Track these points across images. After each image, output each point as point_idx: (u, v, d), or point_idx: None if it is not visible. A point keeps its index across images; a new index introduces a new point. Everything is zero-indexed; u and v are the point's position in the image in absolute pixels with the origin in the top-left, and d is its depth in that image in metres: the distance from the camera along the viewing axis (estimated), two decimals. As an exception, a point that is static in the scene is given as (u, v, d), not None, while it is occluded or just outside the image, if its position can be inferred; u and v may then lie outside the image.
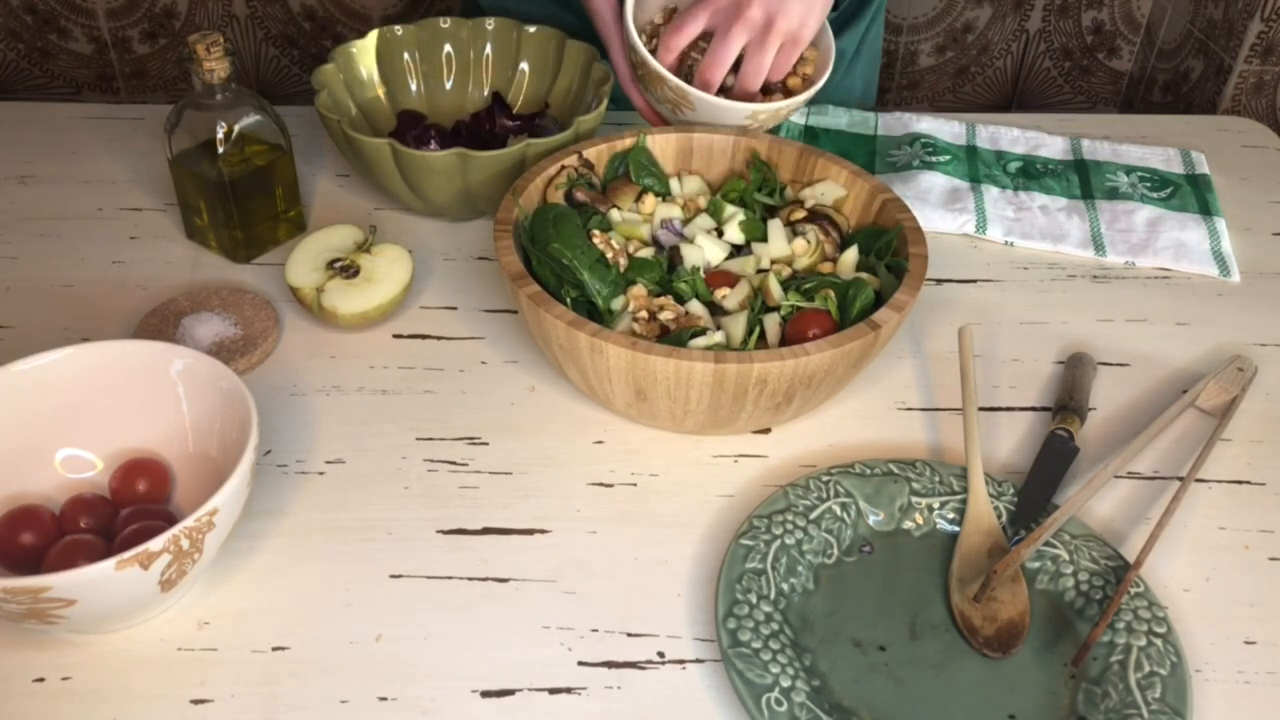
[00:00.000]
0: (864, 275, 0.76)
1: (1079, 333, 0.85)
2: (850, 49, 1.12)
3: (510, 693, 0.59)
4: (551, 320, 0.67)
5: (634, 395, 0.69)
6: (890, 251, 0.77)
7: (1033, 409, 0.78)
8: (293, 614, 0.63)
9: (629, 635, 0.62)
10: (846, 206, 0.83)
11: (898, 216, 0.78)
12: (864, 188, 0.81)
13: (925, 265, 0.73)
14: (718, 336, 0.71)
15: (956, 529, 0.67)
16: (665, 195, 0.84)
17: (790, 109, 0.88)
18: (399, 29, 0.99)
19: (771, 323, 0.72)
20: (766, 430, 0.75)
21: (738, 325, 0.72)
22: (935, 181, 0.99)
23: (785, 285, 0.76)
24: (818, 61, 0.91)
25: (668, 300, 0.73)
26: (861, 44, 1.14)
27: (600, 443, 0.74)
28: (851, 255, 0.78)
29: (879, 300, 0.73)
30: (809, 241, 0.79)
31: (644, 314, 0.72)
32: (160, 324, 0.80)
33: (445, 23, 1.00)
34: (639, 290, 0.74)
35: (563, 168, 0.82)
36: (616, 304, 0.74)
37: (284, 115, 0.92)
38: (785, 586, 0.63)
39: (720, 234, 0.81)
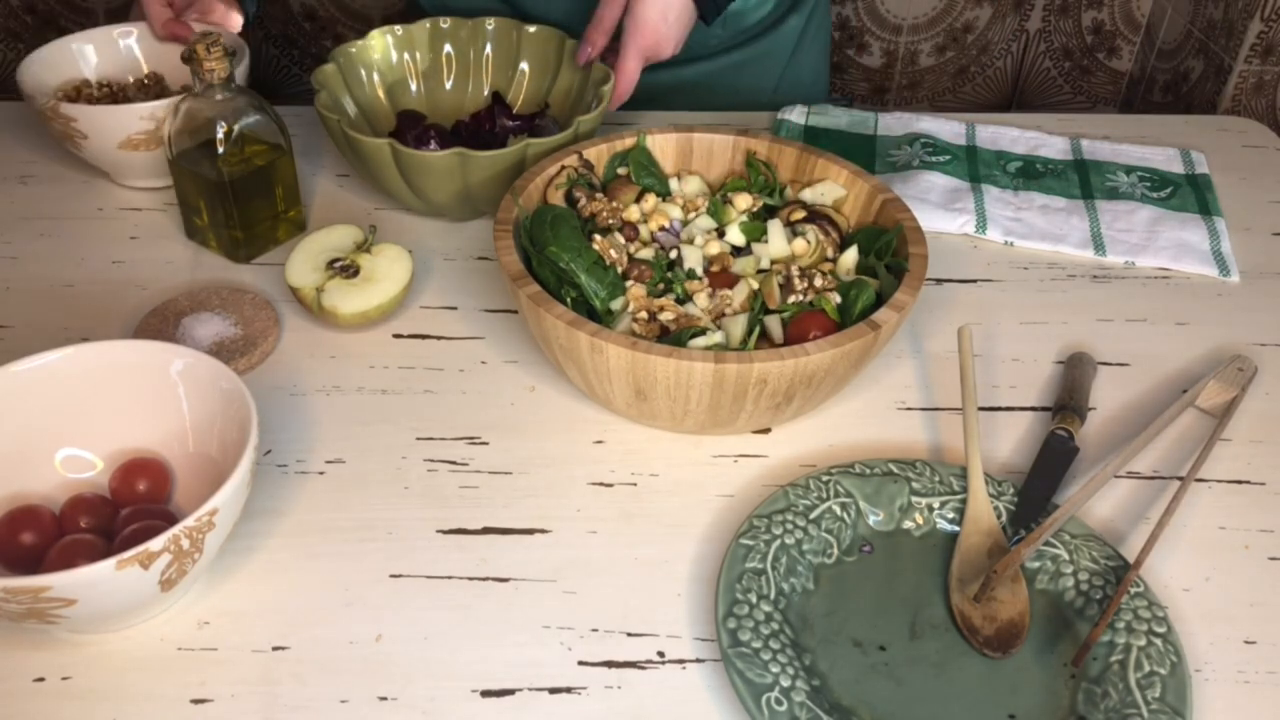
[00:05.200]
0: (863, 276, 0.76)
1: (1079, 333, 0.85)
2: (795, 32, 1.13)
3: (510, 693, 0.59)
4: (551, 320, 0.67)
5: (634, 395, 0.69)
6: (890, 251, 0.77)
7: (1033, 409, 0.78)
8: (293, 614, 0.63)
9: (629, 635, 0.62)
10: (846, 206, 0.83)
11: (898, 216, 0.78)
12: (864, 188, 0.81)
13: (925, 265, 0.73)
14: (718, 336, 0.71)
15: (956, 529, 0.67)
16: (665, 195, 0.84)
17: None
18: (399, 29, 0.99)
19: (774, 322, 0.72)
20: (766, 430, 0.75)
21: (738, 325, 0.72)
22: (935, 181, 0.99)
23: (785, 285, 0.76)
24: None
25: (668, 300, 0.73)
26: (805, 30, 1.14)
27: (600, 443, 0.74)
28: (851, 255, 0.78)
29: (879, 300, 0.73)
30: (809, 241, 0.79)
31: (644, 314, 0.72)
32: (160, 324, 0.80)
33: (445, 23, 1.00)
34: (638, 290, 0.74)
35: (563, 168, 0.82)
36: (616, 304, 0.74)
37: (284, 115, 0.92)
38: (785, 586, 0.63)
39: (721, 234, 0.81)
